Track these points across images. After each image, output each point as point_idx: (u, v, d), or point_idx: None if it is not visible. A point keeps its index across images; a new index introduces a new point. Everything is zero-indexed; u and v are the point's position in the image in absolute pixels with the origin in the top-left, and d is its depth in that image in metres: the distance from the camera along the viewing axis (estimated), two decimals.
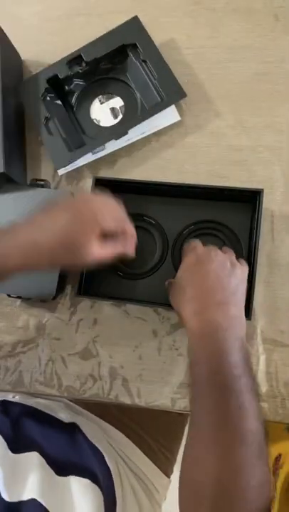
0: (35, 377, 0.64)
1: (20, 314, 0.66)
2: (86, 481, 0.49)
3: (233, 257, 0.55)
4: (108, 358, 0.63)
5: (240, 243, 0.62)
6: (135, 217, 0.65)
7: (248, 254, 0.61)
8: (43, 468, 0.48)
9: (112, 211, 0.52)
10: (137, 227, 0.61)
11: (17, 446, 0.49)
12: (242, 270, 0.54)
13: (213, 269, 0.52)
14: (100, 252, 0.49)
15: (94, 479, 0.50)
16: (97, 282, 0.64)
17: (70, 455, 0.52)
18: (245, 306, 0.56)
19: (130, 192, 0.65)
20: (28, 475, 0.46)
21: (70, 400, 0.70)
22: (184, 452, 0.45)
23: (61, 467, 0.49)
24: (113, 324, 0.64)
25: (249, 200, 0.61)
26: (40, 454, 0.49)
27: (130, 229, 0.54)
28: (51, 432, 0.55)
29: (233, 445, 0.42)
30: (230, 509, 0.40)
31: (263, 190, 0.58)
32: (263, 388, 0.59)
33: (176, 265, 0.63)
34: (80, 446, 0.55)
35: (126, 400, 0.62)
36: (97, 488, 0.49)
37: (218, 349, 0.46)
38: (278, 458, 0.64)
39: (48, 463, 0.49)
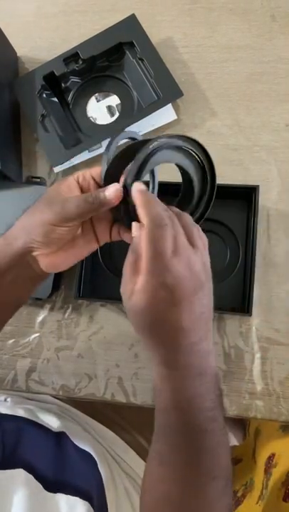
0: (30, 376, 0.64)
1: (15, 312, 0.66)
2: (74, 499, 0.48)
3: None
4: (104, 357, 0.63)
5: (238, 240, 0.62)
6: None
7: (246, 250, 0.61)
8: (30, 484, 0.47)
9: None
10: None
11: (3, 462, 0.47)
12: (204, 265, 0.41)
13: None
14: None
15: (83, 495, 0.49)
16: (95, 284, 0.64)
17: (60, 469, 0.51)
18: (244, 301, 0.56)
19: None
20: (13, 494, 0.45)
21: (63, 400, 0.69)
22: (150, 490, 0.43)
23: (50, 482, 0.48)
24: (109, 322, 0.64)
25: (245, 197, 0.62)
26: (28, 470, 0.48)
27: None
28: (40, 445, 0.54)
29: (204, 481, 0.41)
30: None
31: (258, 186, 0.59)
32: (258, 386, 0.60)
33: None
34: (70, 459, 0.54)
35: (121, 398, 0.62)
36: (86, 503, 0.48)
37: (191, 395, 0.40)
38: (271, 457, 0.65)
39: (36, 478, 0.48)
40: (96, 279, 0.64)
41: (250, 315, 0.57)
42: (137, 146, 0.41)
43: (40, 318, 0.65)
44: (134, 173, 0.41)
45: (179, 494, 0.41)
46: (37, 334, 0.65)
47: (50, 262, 0.46)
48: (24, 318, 0.65)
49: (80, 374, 0.63)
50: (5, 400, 0.66)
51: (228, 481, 0.41)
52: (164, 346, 0.39)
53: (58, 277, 0.64)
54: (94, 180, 0.45)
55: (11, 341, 0.65)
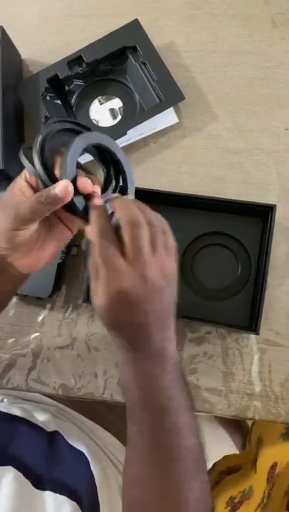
0: (30, 375, 0.64)
1: (16, 311, 0.66)
2: (62, 498, 0.48)
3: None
4: (103, 357, 0.63)
5: (249, 255, 0.62)
6: None
7: (258, 267, 0.61)
8: (18, 481, 0.47)
9: None
10: None
11: None
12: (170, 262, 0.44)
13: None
14: None
15: (72, 495, 0.49)
16: None
17: (50, 467, 0.51)
18: (252, 319, 0.56)
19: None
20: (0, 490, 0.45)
21: (60, 402, 0.69)
22: (123, 473, 0.45)
23: (40, 480, 0.49)
24: None
25: (259, 213, 0.62)
26: (17, 467, 0.48)
27: None
28: (32, 443, 0.54)
29: (169, 462, 0.42)
30: None
31: (275, 205, 0.58)
32: (257, 388, 0.60)
33: (185, 275, 0.63)
34: (61, 458, 0.54)
35: (121, 398, 0.62)
36: (73, 503, 0.49)
37: (150, 375, 0.42)
38: (274, 466, 0.64)
39: (26, 476, 0.48)
40: None
41: (258, 334, 0.56)
42: (63, 136, 0.43)
43: (40, 318, 0.66)
44: (69, 168, 0.41)
45: (146, 477, 0.42)
46: (37, 333, 0.65)
47: (26, 263, 0.46)
48: (25, 318, 0.66)
49: (79, 373, 0.63)
50: (1, 400, 0.66)
51: (196, 462, 0.42)
52: (129, 334, 0.42)
53: (59, 277, 0.64)
54: None
55: (11, 340, 0.65)
